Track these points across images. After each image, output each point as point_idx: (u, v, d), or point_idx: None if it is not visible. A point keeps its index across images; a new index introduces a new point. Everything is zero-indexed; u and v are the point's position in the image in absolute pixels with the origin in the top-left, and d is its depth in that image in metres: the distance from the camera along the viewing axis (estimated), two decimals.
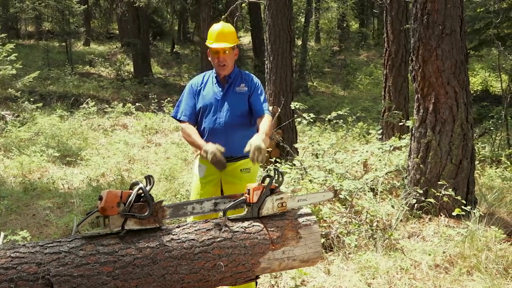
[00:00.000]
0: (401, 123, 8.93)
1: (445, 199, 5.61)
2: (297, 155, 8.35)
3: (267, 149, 8.58)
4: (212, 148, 3.50)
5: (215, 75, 3.93)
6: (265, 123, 3.74)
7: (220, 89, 3.87)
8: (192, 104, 3.91)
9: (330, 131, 11.88)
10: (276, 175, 3.01)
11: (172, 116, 4.06)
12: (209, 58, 3.91)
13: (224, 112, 3.80)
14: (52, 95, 17.38)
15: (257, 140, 3.42)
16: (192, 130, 3.84)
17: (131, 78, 22.48)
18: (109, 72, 23.54)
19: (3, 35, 14.03)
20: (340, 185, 5.73)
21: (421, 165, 6.03)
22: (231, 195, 3.10)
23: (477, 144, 9.40)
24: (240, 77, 3.93)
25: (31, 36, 30.13)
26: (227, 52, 3.78)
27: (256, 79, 3.98)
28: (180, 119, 3.91)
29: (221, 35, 3.78)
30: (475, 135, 7.90)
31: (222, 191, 3.82)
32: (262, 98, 3.91)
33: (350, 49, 29.71)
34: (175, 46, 29.97)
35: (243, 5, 16.44)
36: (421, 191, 5.87)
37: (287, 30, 9.35)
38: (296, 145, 8.88)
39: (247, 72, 4.09)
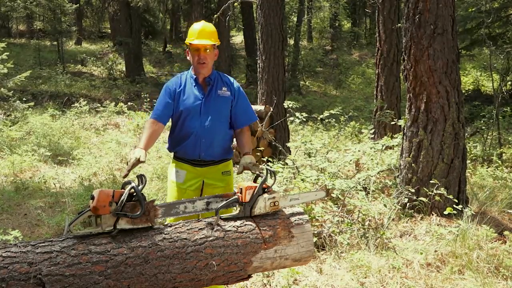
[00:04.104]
0: (393, 122, 8.98)
1: (437, 198, 5.64)
2: (290, 154, 8.37)
3: (260, 149, 8.62)
4: (137, 155, 3.33)
5: (194, 77, 3.81)
6: (248, 140, 3.85)
7: (202, 92, 3.77)
8: (166, 104, 3.76)
9: (322, 130, 11.91)
10: (268, 174, 3.01)
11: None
12: (188, 57, 3.81)
13: (208, 116, 3.72)
14: (43, 94, 17.31)
15: (252, 159, 3.59)
16: (147, 126, 3.67)
17: (123, 77, 22.42)
18: (101, 71, 23.45)
19: None
20: (332, 184, 5.74)
21: (413, 164, 6.05)
22: (223, 194, 3.10)
23: (469, 143, 9.45)
24: (220, 80, 3.85)
25: (23, 35, 29.98)
26: (208, 50, 3.70)
27: (236, 83, 3.92)
28: (151, 117, 3.76)
29: (202, 33, 3.70)
30: (466, 134, 7.93)
31: (202, 195, 3.77)
32: (246, 107, 3.90)
33: (342, 49, 29.77)
34: (167, 45, 29.91)
35: (236, 4, 16.42)
36: (413, 190, 5.89)
37: (279, 30, 9.36)
38: (288, 144, 8.89)
39: (225, 74, 4.02)
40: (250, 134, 3.91)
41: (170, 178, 3.92)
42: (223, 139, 3.78)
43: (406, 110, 6.25)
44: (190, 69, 3.88)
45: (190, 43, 3.72)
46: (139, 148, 3.42)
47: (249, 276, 2.84)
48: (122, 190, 2.60)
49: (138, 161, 3.29)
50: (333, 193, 5.78)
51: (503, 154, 9.14)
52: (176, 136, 3.84)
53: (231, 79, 3.95)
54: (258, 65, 9.67)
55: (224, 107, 3.79)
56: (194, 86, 3.80)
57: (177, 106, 3.77)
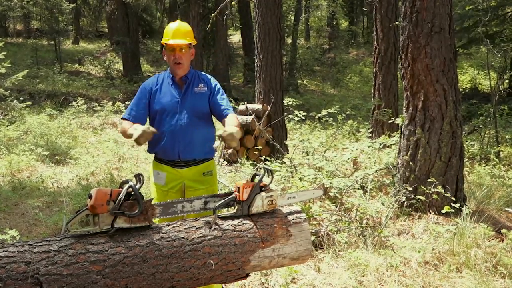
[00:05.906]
0: (390, 121, 8.99)
1: (435, 196, 5.64)
2: (287, 153, 8.37)
3: (258, 147, 8.61)
4: (144, 127, 3.38)
5: (171, 76, 3.82)
6: (232, 119, 3.64)
7: (178, 90, 3.77)
8: (142, 104, 3.76)
9: (320, 129, 11.92)
10: (266, 173, 3.01)
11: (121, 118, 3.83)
12: (164, 58, 3.83)
13: (185, 114, 3.70)
14: (41, 93, 17.27)
15: (230, 128, 3.36)
16: (125, 123, 3.67)
17: (120, 77, 22.40)
18: (98, 71, 23.42)
19: None
20: (330, 182, 5.75)
21: (410, 163, 6.05)
22: (220, 193, 3.09)
23: (466, 141, 9.45)
24: (197, 78, 3.84)
25: (20, 34, 29.90)
26: (183, 50, 3.70)
27: (214, 80, 3.91)
28: (123, 117, 3.75)
29: (177, 32, 3.70)
30: (464, 132, 7.95)
31: (185, 197, 3.75)
32: (224, 99, 3.83)
33: (340, 47, 29.78)
34: None
35: (233, 3, 16.42)
36: (410, 189, 5.90)
37: (277, 28, 9.36)
38: (286, 143, 8.90)
39: (203, 73, 4.02)
40: (235, 118, 3.70)
41: (152, 180, 3.89)
42: (203, 137, 3.75)
43: (404, 108, 6.25)
44: (168, 69, 3.88)
45: (165, 43, 3.73)
46: (138, 124, 3.48)
47: (247, 275, 2.83)
48: (120, 189, 2.59)
49: (148, 131, 3.37)
50: (330, 192, 5.78)
51: (501, 152, 9.16)
52: (154, 136, 3.78)
53: (209, 76, 3.95)
54: (255, 64, 9.67)
55: (201, 104, 3.77)
56: (171, 85, 3.80)
57: (153, 105, 3.76)
